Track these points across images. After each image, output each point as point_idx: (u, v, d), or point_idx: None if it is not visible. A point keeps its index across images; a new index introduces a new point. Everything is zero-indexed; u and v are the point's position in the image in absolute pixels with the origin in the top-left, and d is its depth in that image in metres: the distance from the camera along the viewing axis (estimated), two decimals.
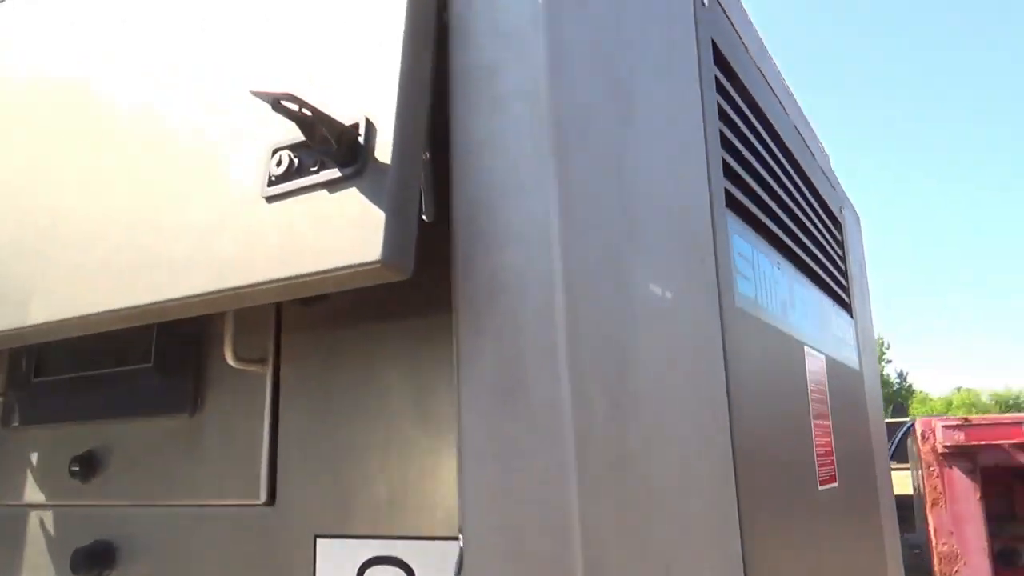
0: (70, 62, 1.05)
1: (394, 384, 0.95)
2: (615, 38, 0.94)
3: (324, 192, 0.78)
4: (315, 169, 0.80)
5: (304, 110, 0.72)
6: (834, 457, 1.81)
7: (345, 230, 0.74)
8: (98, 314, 0.90)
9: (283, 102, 0.73)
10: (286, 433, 1.03)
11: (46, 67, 1.08)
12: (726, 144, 1.31)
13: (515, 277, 0.75)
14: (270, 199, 0.82)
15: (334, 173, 0.77)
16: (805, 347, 1.70)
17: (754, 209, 1.42)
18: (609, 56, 0.92)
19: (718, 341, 1.12)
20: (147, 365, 1.16)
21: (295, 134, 0.82)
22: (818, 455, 1.66)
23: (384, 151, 0.76)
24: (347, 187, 0.76)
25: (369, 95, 0.78)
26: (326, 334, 1.03)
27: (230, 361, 1.04)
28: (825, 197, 2.19)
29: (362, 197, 0.75)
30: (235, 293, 0.81)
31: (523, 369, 0.73)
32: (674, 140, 1.08)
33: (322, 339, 1.03)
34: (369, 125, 0.77)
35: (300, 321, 1.06)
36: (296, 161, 0.81)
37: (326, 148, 0.77)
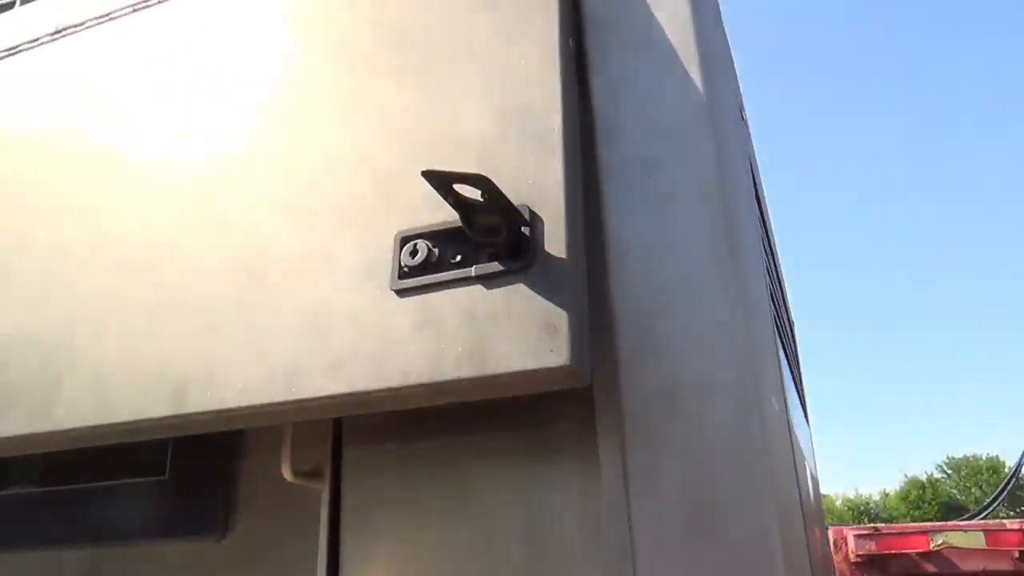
0: (139, 132, 0.93)
1: (499, 504, 0.84)
2: (735, 145, 0.93)
3: (479, 287, 0.70)
4: (457, 261, 0.72)
5: (486, 195, 0.65)
6: (821, 571, 1.79)
7: (517, 331, 0.66)
8: (165, 419, 0.76)
9: (455, 185, 0.66)
10: (350, 561, 0.88)
11: (124, 140, 0.94)
12: (766, 265, 1.32)
13: (699, 389, 0.69)
14: (402, 292, 0.72)
15: (492, 267, 0.70)
16: (804, 459, 1.69)
17: (782, 325, 1.43)
18: (738, 158, 0.90)
19: (791, 454, 1.09)
20: (160, 478, 0.99)
21: (418, 220, 0.75)
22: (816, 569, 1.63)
23: (555, 245, 0.69)
24: (513, 283, 0.69)
25: (530, 185, 0.72)
26: (401, 446, 0.91)
27: (287, 476, 0.90)
28: (788, 308, 2.26)
29: (533, 295, 0.67)
30: (361, 399, 0.70)
31: (721, 492, 0.66)
32: (757, 258, 1.07)
33: (395, 452, 0.91)
34: (534, 216, 0.70)
35: (364, 431, 0.94)
36: (436, 251, 0.73)
37: (490, 238, 0.69)
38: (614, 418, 0.72)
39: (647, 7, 0.82)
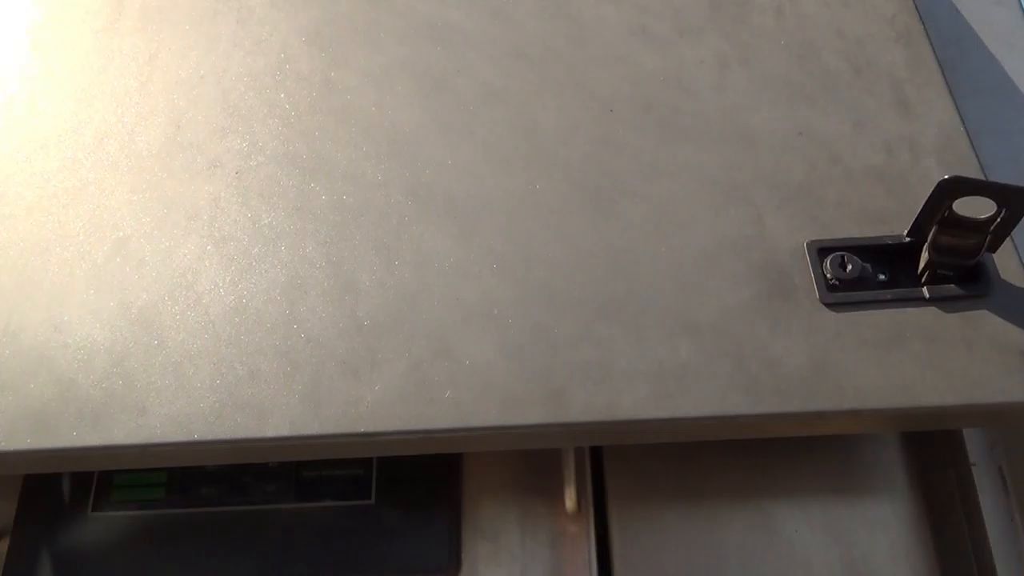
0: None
1: (811, 546, 0.78)
2: None
3: (934, 310, 0.65)
4: (881, 280, 0.67)
5: (1013, 214, 0.61)
6: None
7: (998, 360, 0.62)
8: (537, 427, 0.62)
9: (958, 197, 0.61)
10: None
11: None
12: None
13: None
14: (836, 307, 0.66)
15: (949, 289, 0.65)
16: None
17: None
18: None
19: None
20: (364, 502, 0.82)
21: (825, 231, 0.70)
22: None
23: (1010, 273, 0.66)
24: (975, 308, 0.65)
25: None
26: (680, 481, 0.82)
27: (569, 507, 0.77)
28: None
29: (1005, 324, 0.64)
30: (806, 420, 0.62)
31: None
32: None
33: (672, 486, 0.82)
34: None
35: (628, 461, 0.84)
36: (868, 267, 0.67)
37: (952, 259, 0.65)
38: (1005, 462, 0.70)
39: (990, 51, 0.83)
